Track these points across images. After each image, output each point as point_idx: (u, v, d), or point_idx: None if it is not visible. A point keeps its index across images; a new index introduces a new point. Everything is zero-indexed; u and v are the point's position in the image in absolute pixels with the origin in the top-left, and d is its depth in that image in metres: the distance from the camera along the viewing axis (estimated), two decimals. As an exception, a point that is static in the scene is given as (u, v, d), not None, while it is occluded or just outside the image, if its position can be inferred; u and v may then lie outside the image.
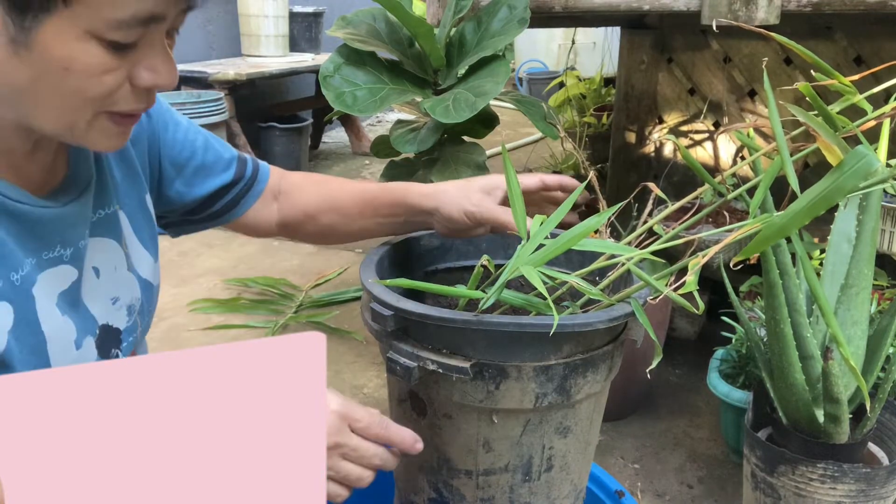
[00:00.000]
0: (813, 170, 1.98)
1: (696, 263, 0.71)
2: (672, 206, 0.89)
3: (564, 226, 0.85)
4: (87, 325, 0.78)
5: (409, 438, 0.77)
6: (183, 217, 1.02)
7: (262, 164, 1.07)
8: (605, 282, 0.83)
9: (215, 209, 1.01)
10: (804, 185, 0.69)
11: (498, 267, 0.78)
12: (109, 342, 0.81)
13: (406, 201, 1.00)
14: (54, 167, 0.76)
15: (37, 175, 0.73)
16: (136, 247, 0.88)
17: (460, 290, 0.78)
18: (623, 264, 0.79)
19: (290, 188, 1.09)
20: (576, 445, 0.85)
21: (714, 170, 0.82)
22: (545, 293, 0.70)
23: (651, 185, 0.88)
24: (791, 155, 0.72)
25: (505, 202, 0.96)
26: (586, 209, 2.82)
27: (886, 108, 0.69)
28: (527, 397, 0.77)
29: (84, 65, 0.62)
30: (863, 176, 0.62)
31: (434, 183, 1.02)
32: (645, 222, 0.87)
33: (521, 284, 0.96)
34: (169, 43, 0.68)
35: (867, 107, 0.73)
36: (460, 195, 0.97)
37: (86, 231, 0.78)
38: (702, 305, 0.98)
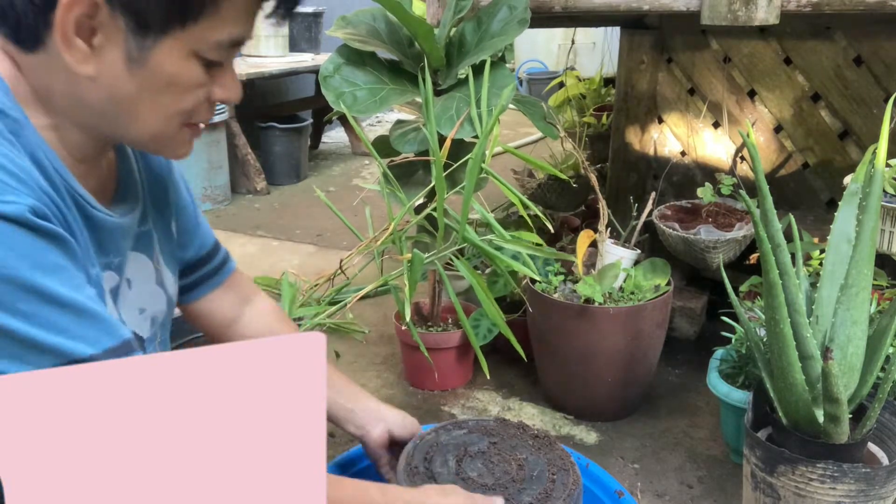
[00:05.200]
0: (812, 169, 1.98)
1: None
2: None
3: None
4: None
5: None
6: None
7: (232, 260, 1.09)
8: None
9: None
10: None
11: None
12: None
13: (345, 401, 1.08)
14: (108, 179, 0.82)
15: (94, 184, 0.78)
16: (163, 265, 0.92)
17: None
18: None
19: (258, 313, 1.10)
20: None
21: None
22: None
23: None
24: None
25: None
26: (587, 209, 2.81)
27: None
28: None
29: (186, 79, 0.70)
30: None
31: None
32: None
33: None
34: None
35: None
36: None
37: (130, 243, 0.84)
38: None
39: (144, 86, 0.69)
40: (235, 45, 0.71)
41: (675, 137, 2.24)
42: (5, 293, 0.60)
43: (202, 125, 0.78)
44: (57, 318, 0.63)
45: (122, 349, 0.68)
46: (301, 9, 4.74)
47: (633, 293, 1.69)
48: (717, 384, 1.48)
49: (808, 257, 1.56)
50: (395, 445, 1.08)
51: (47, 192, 0.67)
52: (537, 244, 1.55)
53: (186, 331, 1.30)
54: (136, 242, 0.85)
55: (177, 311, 1.01)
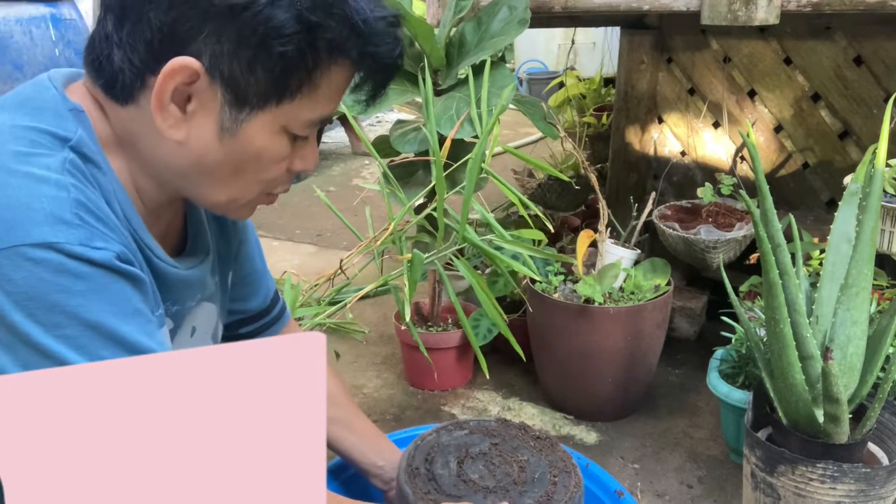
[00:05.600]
0: (812, 169, 1.98)
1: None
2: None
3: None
4: None
5: None
6: None
7: (288, 309, 1.10)
8: None
9: (237, 332, 1.03)
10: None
11: None
12: None
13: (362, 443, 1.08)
14: (173, 227, 0.82)
15: (159, 231, 0.79)
16: (218, 316, 0.92)
17: None
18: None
19: None
20: None
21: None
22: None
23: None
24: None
25: None
26: (587, 209, 2.81)
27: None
28: None
29: (273, 153, 0.71)
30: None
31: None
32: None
33: None
34: None
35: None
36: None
37: (197, 294, 0.83)
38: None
39: (231, 155, 0.69)
40: (322, 122, 0.73)
41: (675, 137, 2.24)
42: (90, 339, 0.62)
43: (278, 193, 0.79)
44: None
45: None
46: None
47: (633, 293, 1.69)
48: (717, 384, 1.48)
49: (808, 257, 1.56)
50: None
51: (124, 235, 0.68)
52: (539, 241, 1.55)
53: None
54: (210, 293, 0.86)
55: None
